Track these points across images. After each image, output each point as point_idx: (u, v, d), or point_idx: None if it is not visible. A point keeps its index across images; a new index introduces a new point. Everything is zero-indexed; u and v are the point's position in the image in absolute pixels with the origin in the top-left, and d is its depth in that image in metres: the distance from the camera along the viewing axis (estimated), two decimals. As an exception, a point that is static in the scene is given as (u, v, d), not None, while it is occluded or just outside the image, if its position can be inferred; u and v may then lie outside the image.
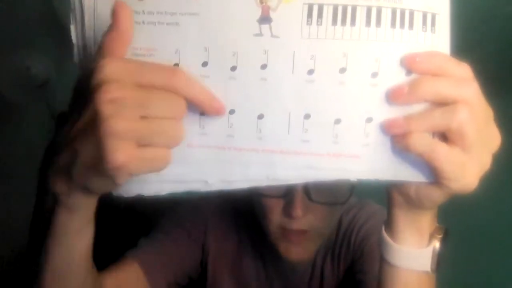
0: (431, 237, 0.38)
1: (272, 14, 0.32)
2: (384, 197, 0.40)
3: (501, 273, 1.51)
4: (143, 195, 0.34)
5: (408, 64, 0.31)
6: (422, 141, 0.31)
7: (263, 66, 0.32)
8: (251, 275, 0.73)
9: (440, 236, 0.38)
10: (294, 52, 0.32)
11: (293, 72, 0.32)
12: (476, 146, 0.30)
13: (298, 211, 0.57)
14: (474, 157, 0.31)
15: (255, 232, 0.71)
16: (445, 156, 0.31)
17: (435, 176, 0.32)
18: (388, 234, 0.40)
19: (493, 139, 0.32)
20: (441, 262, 0.39)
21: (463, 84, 0.31)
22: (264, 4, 0.32)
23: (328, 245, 0.70)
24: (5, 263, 1.44)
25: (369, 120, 0.32)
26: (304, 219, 0.58)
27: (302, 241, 0.61)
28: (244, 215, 0.74)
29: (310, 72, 0.32)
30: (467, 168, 0.31)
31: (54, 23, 1.58)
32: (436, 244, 0.38)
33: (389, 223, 0.40)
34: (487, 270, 1.53)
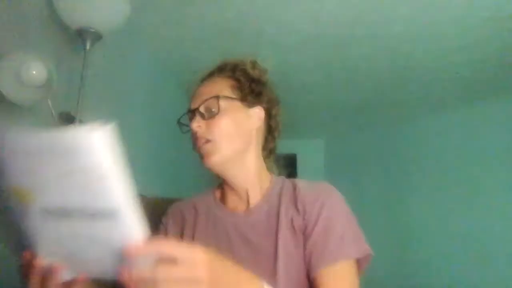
0: None
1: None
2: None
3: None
4: None
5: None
6: None
7: None
8: (208, 230, 0.96)
9: None
10: None
11: None
12: None
13: (194, 124, 0.92)
14: None
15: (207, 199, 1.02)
16: None
17: None
18: None
19: None
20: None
21: None
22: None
23: (281, 194, 0.94)
24: None
25: None
26: (200, 130, 0.92)
27: (207, 149, 0.91)
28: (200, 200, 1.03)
29: None
30: None
31: (54, 23, 1.58)
32: None
33: None
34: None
